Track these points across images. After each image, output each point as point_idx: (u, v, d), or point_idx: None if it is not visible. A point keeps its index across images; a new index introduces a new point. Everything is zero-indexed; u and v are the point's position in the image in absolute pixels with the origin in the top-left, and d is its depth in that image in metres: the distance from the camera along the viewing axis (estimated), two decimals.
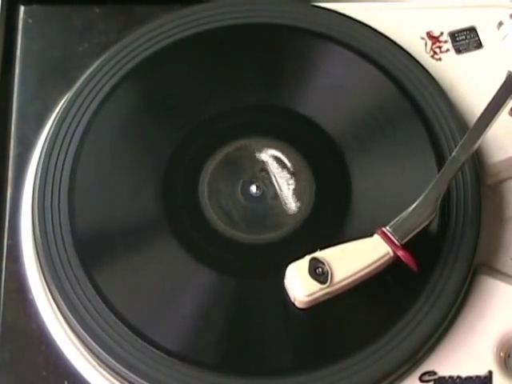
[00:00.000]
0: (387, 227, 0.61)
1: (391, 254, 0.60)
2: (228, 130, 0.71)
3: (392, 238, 0.61)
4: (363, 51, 0.72)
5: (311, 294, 0.59)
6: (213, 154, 0.70)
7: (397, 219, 0.62)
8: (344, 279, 0.59)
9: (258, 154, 0.70)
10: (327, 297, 0.59)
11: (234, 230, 0.67)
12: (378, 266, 0.60)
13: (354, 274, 0.59)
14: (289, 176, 0.69)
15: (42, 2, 0.77)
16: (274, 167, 0.69)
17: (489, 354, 0.64)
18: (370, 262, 0.60)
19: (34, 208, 0.67)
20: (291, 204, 0.68)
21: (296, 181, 0.69)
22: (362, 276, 0.60)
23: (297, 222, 0.68)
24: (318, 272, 0.59)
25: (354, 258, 0.60)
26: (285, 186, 0.69)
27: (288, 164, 0.70)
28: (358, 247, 0.60)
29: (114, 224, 0.67)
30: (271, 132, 0.71)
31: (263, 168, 0.69)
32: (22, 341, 0.66)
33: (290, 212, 0.68)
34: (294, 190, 0.69)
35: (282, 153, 0.70)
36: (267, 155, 0.70)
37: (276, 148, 0.70)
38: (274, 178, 0.69)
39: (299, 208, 0.68)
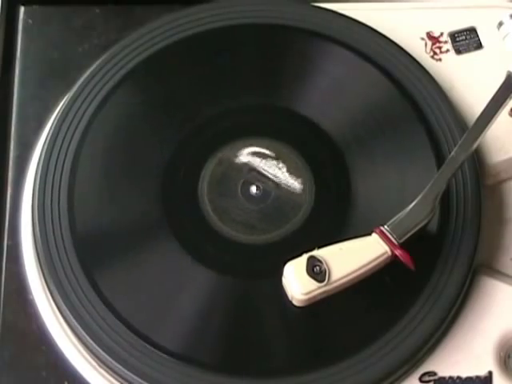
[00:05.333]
0: (385, 226, 0.61)
1: (389, 253, 0.60)
2: (228, 130, 0.71)
3: (390, 237, 0.61)
4: (363, 51, 0.72)
5: (309, 293, 0.59)
6: (213, 154, 0.70)
7: (395, 218, 0.61)
8: (342, 278, 0.59)
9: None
10: (325, 295, 0.59)
11: (234, 230, 0.67)
12: (376, 265, 0.60)
13: (351, 273, 0.59)
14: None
15: (41, 3, 0.77)
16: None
17: (489, 355, 0.64)
18: (367, 260, 0.60)
19: (34, 208, 0.67)
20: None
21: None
22: (360, 275, 0.60)
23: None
24: (316, 270, 0.59)
25: (352, 257, 0.60)
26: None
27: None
28: (356, 246, 0.60)
29: (113, 224, 0.67)
30: (271, 132, 0.71)
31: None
32: (22, 341, 0.66)
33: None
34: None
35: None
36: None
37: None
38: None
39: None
